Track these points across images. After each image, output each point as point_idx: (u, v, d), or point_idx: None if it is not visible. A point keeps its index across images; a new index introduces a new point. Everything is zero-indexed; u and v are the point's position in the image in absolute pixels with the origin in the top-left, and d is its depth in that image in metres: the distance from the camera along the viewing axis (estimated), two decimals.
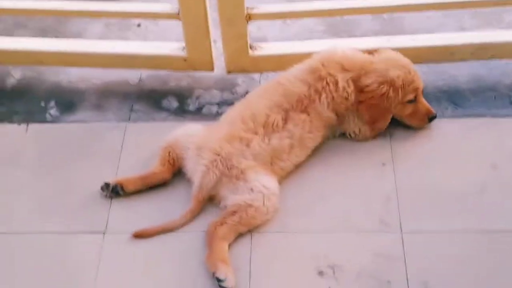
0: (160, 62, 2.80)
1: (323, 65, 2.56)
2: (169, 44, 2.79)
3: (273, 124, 2.48)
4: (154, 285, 2.26)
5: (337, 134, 2.65)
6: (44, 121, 2.79)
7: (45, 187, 2.55)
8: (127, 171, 2.58)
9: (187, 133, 2.57)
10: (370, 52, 2.67)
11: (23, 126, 2.77)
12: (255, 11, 2.60)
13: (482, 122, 2.67)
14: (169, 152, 2.53)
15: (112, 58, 2.80)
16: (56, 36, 3.10)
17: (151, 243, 2.36)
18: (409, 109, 2.62)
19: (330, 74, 2.54)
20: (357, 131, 2.62)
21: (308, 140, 2.53)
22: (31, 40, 2.89)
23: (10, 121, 2.79)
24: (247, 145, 2.45)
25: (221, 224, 2.34)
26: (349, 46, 2.66)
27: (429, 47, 2.73)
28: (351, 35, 3.04)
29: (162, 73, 2.91)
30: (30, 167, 2.62)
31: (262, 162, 2.45)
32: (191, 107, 2.81)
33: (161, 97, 2.85)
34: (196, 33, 2.66)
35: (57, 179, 2.58)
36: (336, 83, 2.54)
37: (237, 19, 2.59)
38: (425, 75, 2.80)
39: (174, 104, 2.83)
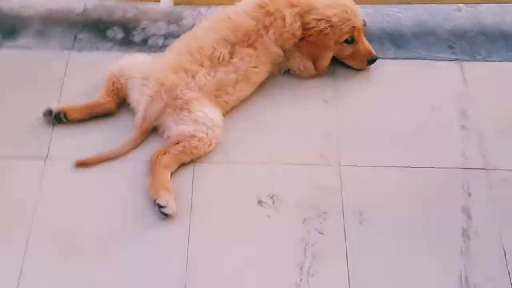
0: None
1: (271, 0, 2.58)
2: None
3: (219, 58, 2.49)
4: (96, 212, 2.28)
5: (283, 71, 2.68)
6: None
7: None
8: (70, 99, 2.56)
9: (133, 63, 2.55)
10: None
11: None
12: None
13: (422, 65, 2.75)
14: (114, 82, 2.52)
15: None
16: None
17: (93, 170, 2.37)
18: (349, 49, 2.66)
19: (278, 10, 2.56)
20: (301, 68, 2.66)
21: (253, 75, 2.56)
22: None
23: None
24: (193, 77, 2.45)
25: (164, 153, 2.36)
26: None
27: None
28: None
29: (108, 3, 2.87)
30: None
31: (207, 94, 2.46)
32: (137, 38, 2.79)
33: (106, 27, 2.81)
34: None
35: None
36: (283, 19, 2.56)
37: None
38: (369, 16, 2.87)
39: (120, 34, 2.79)
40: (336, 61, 2.70)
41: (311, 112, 2.58)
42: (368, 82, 2.69)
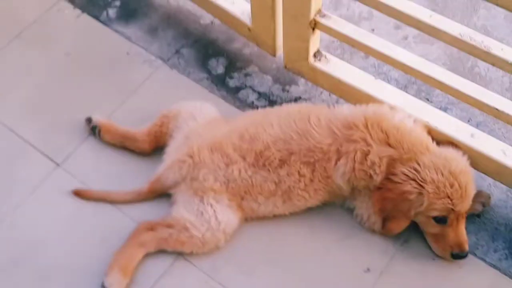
0: (227, 18, 2.39)
1: (365, 125, 2.00)
2: (241, 4, 2.34)
3: (266, 159, 2.04)
4: (56, 244, 2.10)
5: (346, 207, 2.13)
6: (97, 17, 2.57)
7: (48, 81, 2.42)
8: (129, 111, 2.34)
9: (192, 113, 2.20)
10: (447, 142, 2.05)
11: (77, 11, 2.59)
12: (323, 20, 2.04)
13: None
14: (162, 124, 2.21)
15: None
16: None
17: (83, 203, 2.16)
18: (435, 228, 2.00)
19: (365, 140, 1.99)
20: (365, 218, 2.08)
21: (297, 197, 2.06)
22: None
23: (71, 1, 2.62)
24: (226, 165, 2.05)
25: (151, 229, 2.05)
26: (418, 118, 2.05)
27: None
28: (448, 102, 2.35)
29: (233, 32, 2.49)
30: (55, 55, 2.48)
31: (232, 191, 2.05)
32: (232, 82, 2.40)
33: (213, 54, 2.46)
34: (262, 12, 2.19)
35: (64, 82, 2.42)
36: (366, 154, 1.99)
37: (301, 20, 2.06)
38: (503, 197, 2.13)
39: (220, 69, 2.44)
40: (414, 226, 2.06)
41: (344, 272, 2.03)
42: (441, 274, 2.03)
